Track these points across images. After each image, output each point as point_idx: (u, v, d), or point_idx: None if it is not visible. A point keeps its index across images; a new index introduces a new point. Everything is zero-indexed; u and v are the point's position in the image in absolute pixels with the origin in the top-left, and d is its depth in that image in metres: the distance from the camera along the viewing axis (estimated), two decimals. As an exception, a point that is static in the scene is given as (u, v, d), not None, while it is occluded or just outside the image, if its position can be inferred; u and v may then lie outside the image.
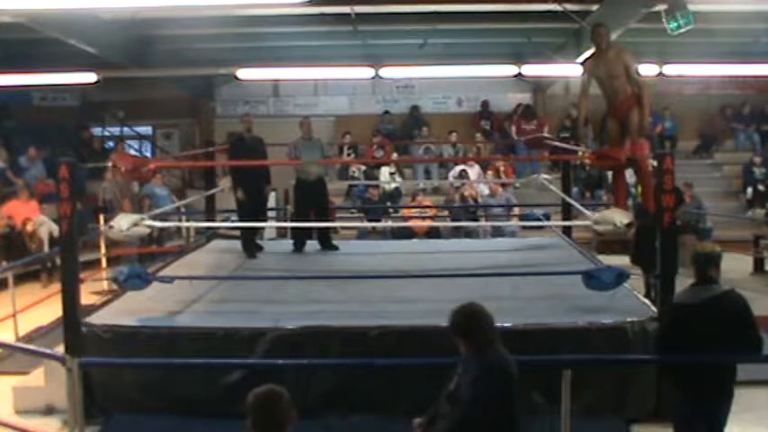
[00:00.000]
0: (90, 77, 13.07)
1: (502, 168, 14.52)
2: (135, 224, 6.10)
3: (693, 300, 4.17)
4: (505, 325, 5.53)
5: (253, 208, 8.32)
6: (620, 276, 5.70)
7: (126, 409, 5.50)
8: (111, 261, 10.35)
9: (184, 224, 10.84)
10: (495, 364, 3.57)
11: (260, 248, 8.62)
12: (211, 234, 9.76)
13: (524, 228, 11.99)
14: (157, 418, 5.42)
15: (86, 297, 6.91)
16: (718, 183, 14.95)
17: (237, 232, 8.94)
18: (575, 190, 12.28)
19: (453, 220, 13.00)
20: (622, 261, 8.42)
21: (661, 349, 4.43)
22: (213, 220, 9.53)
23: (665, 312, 5.16)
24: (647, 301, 6.26)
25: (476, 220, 12.99)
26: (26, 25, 9.57)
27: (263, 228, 9.09)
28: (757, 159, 14.53)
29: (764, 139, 15.53)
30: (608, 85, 7.05)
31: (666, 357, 4.45)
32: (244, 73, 13.77)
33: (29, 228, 11.08)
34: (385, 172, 14.70)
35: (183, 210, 11.07)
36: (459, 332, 3.71)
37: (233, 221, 9.38)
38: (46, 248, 10.77)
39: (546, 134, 12.16)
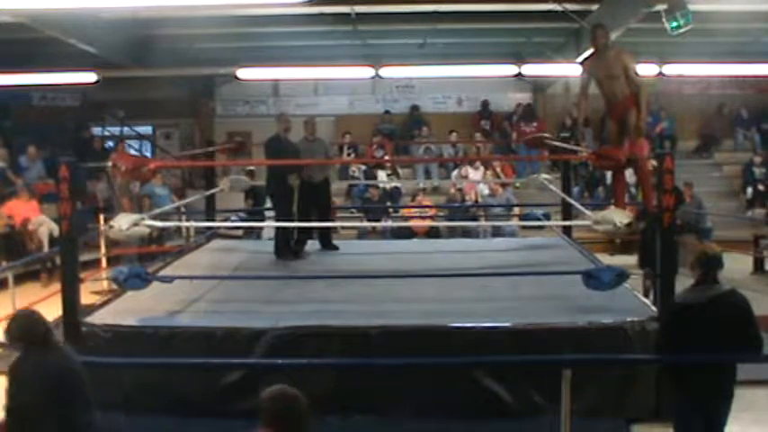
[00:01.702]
0: (90, 77, 13.07)
1: (499, 169, 14.53)
2: (135, 224, 6.10)
3: (697, 299, 4.17)
4: (505, 325, 5.55)
5: (289, 207, 8.13)
6: (620, 276, 5.69)
7: (126, 409, 5.49)
8: (111, 261, 10.35)
9: (184, 224, 10.83)
10: (38, 365, 3.60)
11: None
12: (211, 234, 9.76)
13: (524, 228, 11.99)
14: (157, 418, 5.41)
15: (86, 297, 6.90)
16: (719, 183, 14.96)
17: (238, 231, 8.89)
18: (575, 190, 12.28)
19: (453, 219, 13.00)
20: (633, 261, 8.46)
21: (664, 349, 4.43)
22: (213, 220, 9.52)
23: (667, 312, 5.15)
24: (647, 301, 6.26)
25: (475, 219, 13.00)
26: (26, 25, 9.57)
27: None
28: (757, 159, 14.53)
29: (764, 138, 15.53)
30: (606, 86, 7.04)
31: (666, 357, 4.45)
32: (244, 73, 13.77)
33: (29, 228, 11.08)
34: (381, 174, 14.71)
35: (182, 210, 11.06)
36: (9, 336, 3.75)
37: (233, 221, 9.38)
38: (46, 248, 10.77)
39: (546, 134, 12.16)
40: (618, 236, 9.63)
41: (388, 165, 15.15)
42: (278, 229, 8.23)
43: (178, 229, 11.58)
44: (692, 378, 4.16)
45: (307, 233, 8.59)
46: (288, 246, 8.19)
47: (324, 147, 8.72)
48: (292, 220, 8.06)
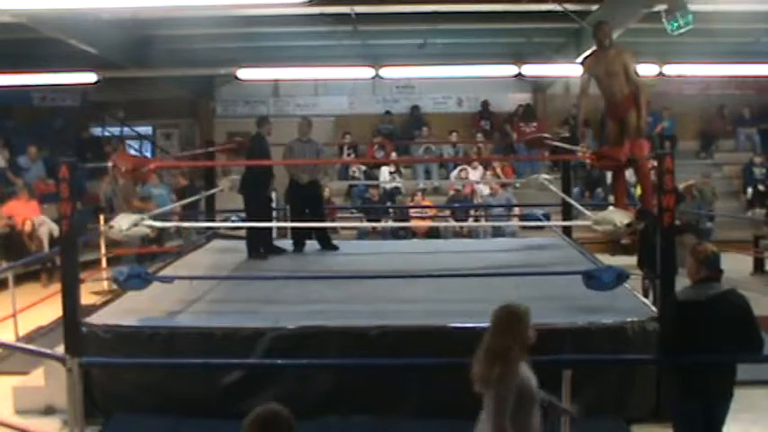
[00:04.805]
0: (90, 77, 13.07)
1: (499, 169, 14.53)
2: (135, 224, 6.10)
3: (698, 297, 4.17)
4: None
5: (261, 209, 8.32)
6: (620, 276, 5.70)
7: (126, 409, 5.50)
8: (111, 261, 10.35)
9: (184, 224, 10.82)
10: None
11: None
12: (211, 234, 9.75)
13: (524, 228, 11.99)
14: (157, 418, 5.42)
15: (86, 297, 6.91)
16: (719, 183, 14.92)
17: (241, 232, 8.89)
18: (575, 190, 12.27)
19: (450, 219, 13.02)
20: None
21: (669, 347, 4.42)
22: (213, 220, 9.53)
23: (671, 310, 5.14)
24: (646, 301, 6.26)
25: (475, 219, 13.00)
26: (26, 25, 9.57)
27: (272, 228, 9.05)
28: (757, 159, 14.53)
29: (765, 138, 15.53)
30: (606, 84, 7.03)
31: (666, 357, 4.45)
32: (244, 73, 13.77)
33: (28, 228, 11.08)
34: (385, 172, 14.71)
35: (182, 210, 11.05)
36: None
37: (233, 221, 9.37)
38: (46, 248, 10.77)
39: (546, 134, 12.16)
40: (618, 236, 9.62)
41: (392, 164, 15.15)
42: (250, 229, 8.31)
43: (178, 228, 11.57)
44: (693, 377, 4.16)
45: (304, 233, 8.60)
46: (257, 246, 8.23)
47: (315, 149, 8.69)
48: (267, 219, 8.18)
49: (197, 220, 10.03)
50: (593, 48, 7.33)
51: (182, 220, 9.60)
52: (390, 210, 13.88)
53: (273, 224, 8.53)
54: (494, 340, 3.39)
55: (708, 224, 12.40)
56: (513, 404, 3.28)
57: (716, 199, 13.47)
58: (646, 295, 7.16)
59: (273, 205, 9.40)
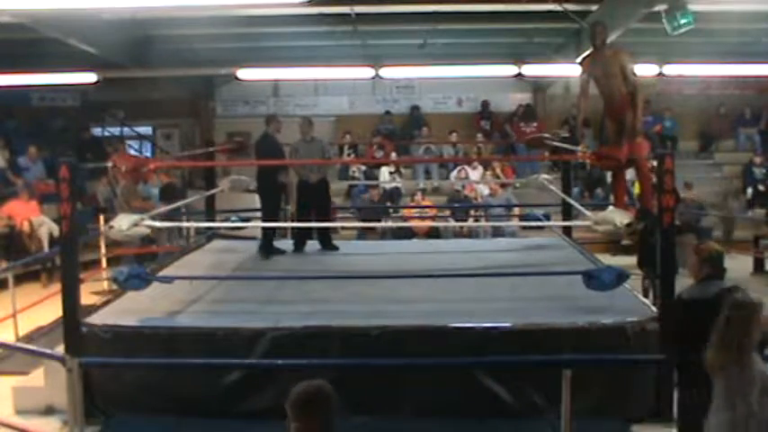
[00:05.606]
0: (90, 77, 13.08)
1: (499, 169, 14.53)
2: (135, 224, 6.10)
3: (702, 295, 4.18)
4: (505, 325, 5.55)
5: (274, 205, 8.43)
6: (620, 276, 5.69)
7: (126, 409, 5.50)
8: (111, 261, 10.35)
9: (184, 224, 10.81)
10: None
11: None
12: (211, 234, 9.75)
13: (524, 228, 11.99)
14: (157, 418, 5.42)
15: (86, 297, 6.91)
16: (718, 183, 14.95)
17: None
18: (575, 190, 12.28)
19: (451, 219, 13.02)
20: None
21: (676, 344, 4.42)
22: (213, 220, 9.52)
23: (674, 308, 5.13)
24: (646, 301, 6.26)
25: (475, 219, 13.01)
26: (26, 25, 9.57)
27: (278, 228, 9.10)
28: (757, 159, 14.54)
29: (765, 138, 15.53)
30: (604, 85, 7.04)
31: (669, 355, 4.44)
32: (244, 73, 13.78)
33: (28, 228, 11.08)
34: (385, 172, 14.71)
35: (182, 210, 11.04)
36: None
37: (233, 221, 9.37)
38: (46, 248, 10.77)
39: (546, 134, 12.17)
40: (618, 236, 9.63)
41: (392, 164, 15.15)
42: (265, 228, 8.37)
43: (173, 230, 11.54)
44: (696, 374, 4.15)
45: (305, 233, 8.61)
46: (268, 243, 8.28)
47: (321, 147, 8.66)
48: (277, 218, 8.17)
49: (179, 220, 10.00)
50: (591, 48, 7.33)
51: (164, 219, 9.60)
52: (390, 210, 13.87)
53: (278, 224, 8.51)
54: (732, 331, 3.51)
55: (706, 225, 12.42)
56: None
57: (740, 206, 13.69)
58: (646, 295, 7.17)
59: None
